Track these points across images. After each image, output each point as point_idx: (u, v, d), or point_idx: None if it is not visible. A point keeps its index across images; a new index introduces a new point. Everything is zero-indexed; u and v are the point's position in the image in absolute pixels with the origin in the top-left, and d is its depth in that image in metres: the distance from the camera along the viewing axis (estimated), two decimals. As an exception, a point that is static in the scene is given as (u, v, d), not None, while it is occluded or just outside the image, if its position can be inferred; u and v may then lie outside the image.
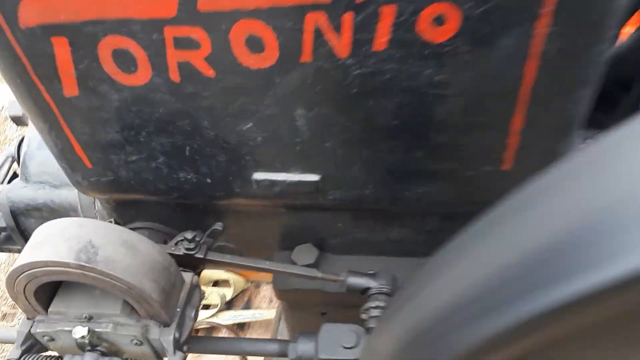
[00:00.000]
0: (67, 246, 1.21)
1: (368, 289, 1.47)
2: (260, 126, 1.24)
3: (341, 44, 1.05)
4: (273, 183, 1.36)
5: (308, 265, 1.67)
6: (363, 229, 1.61)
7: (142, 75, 1.18)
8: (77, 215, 1.90)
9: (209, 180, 1.40)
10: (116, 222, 1.71)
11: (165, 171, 1.40)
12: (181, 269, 1.50)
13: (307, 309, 1.79)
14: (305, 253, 1.67)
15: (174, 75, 1.17)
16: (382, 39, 1.03)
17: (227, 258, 1.52)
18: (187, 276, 1.43)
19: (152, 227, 1.74)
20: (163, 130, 1.29)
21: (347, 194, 1.36)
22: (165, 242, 1.73)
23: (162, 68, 1.16)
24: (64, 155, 1.42)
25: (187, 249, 1.49)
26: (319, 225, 1.63)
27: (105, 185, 1.49)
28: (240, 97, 1.18)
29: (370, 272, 1.52)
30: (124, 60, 1.15)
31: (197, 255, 1.49)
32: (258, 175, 1.35)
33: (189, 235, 1.49)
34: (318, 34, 1.04)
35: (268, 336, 3.64)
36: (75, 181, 1.52)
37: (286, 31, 1.04)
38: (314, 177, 1.32)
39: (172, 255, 1.50)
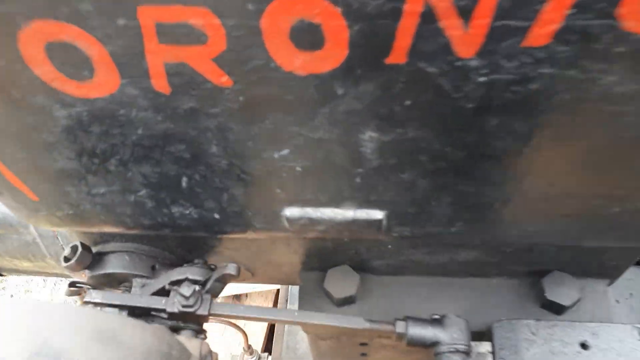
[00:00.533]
0: (15, 351, 0.77)
1: (436, 343, 1.09)
2: (302, 154, 0.78)
3: (467, 36, 0.58)
4: (314, 221, 0.92)
5: (347, 300, 1.28)
6: (423, 251, 1.20)
7: (104, 84, 0.69)
8: (28, 235, 1.43)
9: (216, 216, 0.95)
10: (83, 246, 1.25)
11: (151, 205, 0.94)
12: (181, 334, 1.09)
13: (342, 343, 1.42)
14: (343, 281, 1.27)
15: (160, 84, 0.68)
16: (545, 28, 0.56)
17: (240, 311, 1.11)
18: (194, 346, 1.03)
19: (132, 250, 1.30)
20: (145, 157, 0.83)
21: (421, 231, 0.94)
22: (153, 268, 1.30)
23: (138, 72, 0.67)
24: (-5, 187, 0.94)
25: (184, 306, 1.07)
26: (362, 246, 1.21)
27: (62, 220, 1.03)
28: (274, 114, 0.72)
29: (435, 316, 1.14)
30: (69, 59, 0.66)
31: (200, 313, 1.08)
32: (292, 212, 0.91)
33: (185, 290, 1.06)
34: (428, 19, 0.57)
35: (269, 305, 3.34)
36: (20, 215, 1.05)
37: (367, 14, 0.57)
38: (377, 215, 0.89)
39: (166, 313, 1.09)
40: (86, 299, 1.08)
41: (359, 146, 0.75)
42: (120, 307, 1.11)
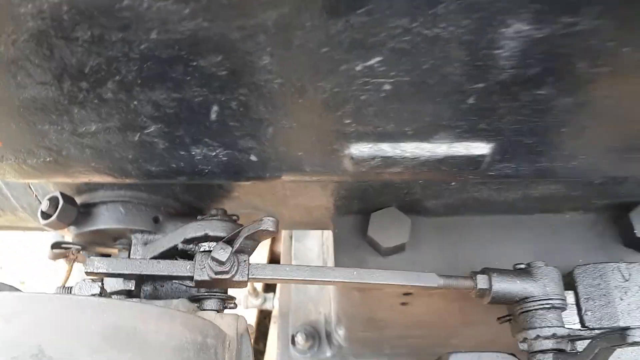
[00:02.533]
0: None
1: (526, 299, 0.89)
2: (399, 63, 0.52)
3: None
4: (389, 161, 0.68)
5: (397, 248, 1.06)
6: (493, 187, 0.98)
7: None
8: (-6, 186, 1.15)
9: (253, 159, 0.70)
10: (65, 198, 0.99)
11: (163, 146, 0.68)
12: (205, 306, 0.86)
13: (384, 293, 1.22)
14: (391, 226, 1.05)
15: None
16: None
17: (285, 272, 0.88)
18: (228, 324, 0.80)
19: (128, 199, 1.04)
20: (159, 77, 0.56)
21: (530, 168, 0.71)
22: (155, 221, 1.06)
23: None
24: None
25: (218, 273, 0.83)
26: (418, 184, 0.98)
27: (37, 169, 0.76)
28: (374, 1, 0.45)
29: (519, 265, 0.94)
30: None
31: (237, 279, 0.84)
32: (360, 150, 0.67)
33: (220, 253, 0.81)
34: None
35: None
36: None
37: None
38: (480, 149, 0.65)
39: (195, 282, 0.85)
40: (87, 269, 0.84)
41: (493, 47, 0.50)
42: (128, 277, 0.87)
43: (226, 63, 0.53)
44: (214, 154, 0.70)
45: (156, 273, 0.86)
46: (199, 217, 1.00)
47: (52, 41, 0.51)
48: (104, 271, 0.85)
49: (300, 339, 2.02)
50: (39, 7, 0.46)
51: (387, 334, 1.63)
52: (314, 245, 2.25)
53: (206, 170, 0.74)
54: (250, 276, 0.86)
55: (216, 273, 0.83)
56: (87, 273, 0.86)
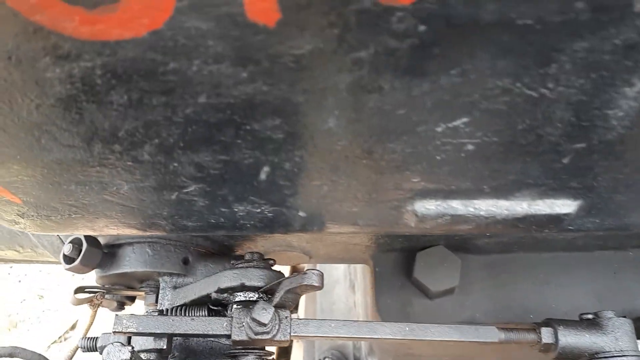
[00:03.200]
0: None
1: (596, 354, 0.80)
2: (489, 123, 0.44)
3: None
4: (460, 218, 0.60)
5: (447, 291, 0.98)
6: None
7: (138, 12, 0.33)
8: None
9: (301, 215, 0.62)
10: (88, 241, 0.92)
11: (203, 204, 0.61)
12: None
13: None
14: (440, 268, 0.97)
15: (262, 6, 0.33)
16: None
17: (330, 329, 0.80)
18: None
19: (156, 240, 0.97)
20: (206, 141, 0.48)
21: (615, 222, 0.63)
22: (185, 262, 0.98)
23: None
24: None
25: (258, 334, 0.75)
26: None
27: (60, 224, 0.69)
28: (475, 58, 0.37)
29: (586, 316, 0.85)
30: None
31: (278, 339, 0.76)
32: (427, 207, 0.59)
33: (262, 314, 0.73)
34: None
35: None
36: (2, 220, 0.71)
37: None
38: (565, 207, 0.57)
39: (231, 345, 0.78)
40: (116, 329, 0.77)
41: (607, 107, 0.41)
42: (159, 335, 0.80)
43: (284, 126, 0.45)
44: (258, 210, 0.62)
45: (190, 332, 0.79)
46: (232, 261, 0.93)
47: (82, 106, 0.43)
48: (134, 330, 0.78)
49: (329, 364, 1.94)
50: (68, 71, 0.39)
51: (423, 365, 1.55)
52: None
53: (248, 225, 0.66)
54: (292, 334, 0.78)
55: (256, 334, 0.75)
56: (115, 332, 0.79)
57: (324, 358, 1.98)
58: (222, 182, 0.55)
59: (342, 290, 2.17)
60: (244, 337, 0.76)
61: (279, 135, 0.46)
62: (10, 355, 0.69)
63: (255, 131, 0.46)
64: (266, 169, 0.52)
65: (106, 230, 0.70)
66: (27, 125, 0.46)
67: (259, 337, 0.76)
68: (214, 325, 0.79)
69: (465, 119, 0.43)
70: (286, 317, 0.79)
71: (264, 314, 0.74)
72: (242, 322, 0.77)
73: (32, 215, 0.66)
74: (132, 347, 0.71)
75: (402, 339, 0.79)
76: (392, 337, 0.79)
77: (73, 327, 3.24)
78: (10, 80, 0.40)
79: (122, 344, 0.72)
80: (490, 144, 0.47)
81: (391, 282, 1.03)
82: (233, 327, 0.77)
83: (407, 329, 0.80)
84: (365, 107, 0.42)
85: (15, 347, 0.70)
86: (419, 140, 0.46)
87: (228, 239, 1.02)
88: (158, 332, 0.78)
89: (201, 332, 0.78)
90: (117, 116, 0.44)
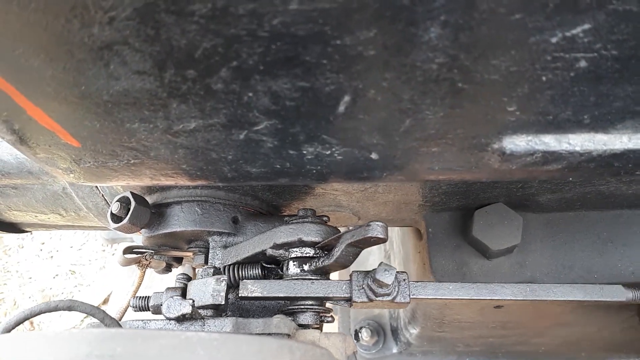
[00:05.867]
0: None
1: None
2: (611, 31, 0.39)
3: None
4: (552, 156, 0.55)
5: (507, 250, 0.93)
6: (626, 178, 0.84)
7: None
8: (55, 183, 1.07)
9: (373, 157, 0.58)
10: (136, 199, 0.89)
11: (271, 145, 0.57)
12: (310, 323, 0.76)
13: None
14: (501, 226, 0.92)
15: None
16: None
17: (449, 291, 0.76)
18: (335, 345, 0.69)
19: (204, 198, 0.94)
20: (288, 61, 0.44)
21: None
22: (234, 221, 0.95)
23: None
24: (17, 131, 0.57)
25: (379, 295, 0.73)
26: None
27: (118, 172, 0.66)
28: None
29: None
30: None
31: (399, 300, 0.74)
32: (516, 143, 0.54)
33: (385, 276, 0.72)
34: None
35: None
36: (53, 169, 0.68)
37: None
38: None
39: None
40: (242, 293, 0.76)
41: None
42: (281, 300, 0.78)
43: (379, 39, 0.41)
44: (328, 152, 0.58)
45: (312, 295, 0.77)
46: (286, 218, 0.90)
47: (161, 18, 0.39)
48: (259, 294, 0.77)
49: (365, 334, 1.92)
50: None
51: (466, 334, 1.51)
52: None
53: (314, 171, 0.62)
54: (412, 296, 0.75)
55: (377, 295, 0.73)
56: (241, 297, 0.78)
57: (361, 328, 1.96)
58: (296, 117, 0.51)
59: (377, 261, 2.13)
60: (364, 299, 0.74)
61: (371, 51, 0.42)
62: (69, 309, 0.67)
63: (344, 47, 0.42)
64: (347, 98, 0.48)
65: (164, 180, 0.67)
66: (96, 46, 0.43)
67: (380, 299, 0.73)
68: (334, 288, 0.77)
69: (587, 25, 0.39)
70: (404, 280, 0.76)
71: (387, 275, 0.71)
72: (362, 284, 0.75)
73: (89, 162, 0.64)
74: (193, 301, 0.69)
75: (522, 299, 0.75)
76: (513, 299, 0.75)
77: (105, 302, 3.27)
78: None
79: (182, 298, 0.70)
80: (606, 60, 0.42)
81: (445, 243, 0.99)
82: (353, 289, 0.75)
83: (528, 289, 0.76)
84: (477, 9, 0.37)
85: (73, 300, 0.67)
86: (528, 56, 0.42)
87: (277, 198, 0.98)
88: (281, 295, 0.76)
89: (322, 295, 0.76)
90: (197, 31, 0.40)
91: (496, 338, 1.55)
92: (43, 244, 3.62)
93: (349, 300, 0.75)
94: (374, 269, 0.74)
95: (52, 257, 3.56)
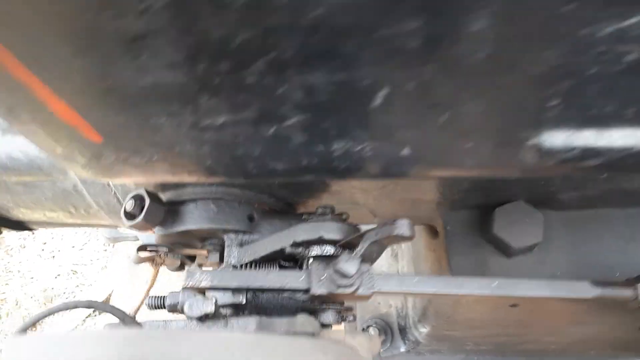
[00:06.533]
0: None
1: None
2: None
3: None
4: (590, 152, 0.54)
5: (528, 248, 0.92)
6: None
7: None
8: (66, 180, 1.05)
9: (405, 152, 0.57)
10: (151, 196, 0.88)
11: (299, 141, 0.55)
12: (332, 322, 0.74)
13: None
14: (522, 224, 0.91)
15: None
16: None
17: (414, 284, 0.75)
18: (361, 344, 0.68)
19: (220, 196, 0.93)
20: (326, 53, 0.42)
21: None
22: (250, 219, 0.94)
23: None
24: (37, 127, 0.55)
25: (341, 287, 0.70)
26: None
27: (139, 168, 0.65)
28: None
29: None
30: None
31: (361, 293, 0.72)
32: (555, 138, 0.52)
33: (349, 265, 0.69)
34: None
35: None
36: (70, 165, 0.66)
37: None
38: None
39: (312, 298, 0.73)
40: (188, 283, 0.73)
41: None
42: (238, 290, 0.75)
43: (423, 31, 0.39)
44: (358, 148, 0.56)
45: (267, 286, 0.75)
46: (304, 216, 0.88)
47: (198, 7, 0.38)
48: (208, 285, 0.74)
49: (372, 333, 1.90)
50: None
51: (477, 332, 1.50)
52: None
53: (340, 168, 0.61)
54: (374, 290, 0.73)
55: (338, 287, 0.70)
56: (187, 288, 0.75)
57: (367, 327, 1.94)
58: (330, 111, 0.50)
59: (384, 259, 2.12)
60: (323, 291, 0.72)
61: (413, 43, 0.40)
62: (89, 307, 0.66)
63: (385, 39, 0.40)
64: (384, 91, 0.47)
65: (187, 176, 0.66)
66: (128, 37, 0.41)
67: (341, 290, 0.71)
68: (291, 279, 0.74)
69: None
70: (367, 271, 0.74)
71: (351, 265, 0.69)
72: (323, 275, 0.73)
73: (110, 158, 0.62)
74: (216, 299, 0.67)
75: (489, 295, 0.74)
76: (479, 293, 0.74)
77: (106, 302, 3.26)
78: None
79: (204, 297, 0.68)
80: None
81: (464, 241, 0.98)
82: (312, 280, 0.73)
83: (496, 283, 0.74)
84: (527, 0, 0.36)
85: (92, 301, 0.66)
86: (578, 48, 0.40)
87: (293, 195, 0.97)
88: (232, 286, 0.73)
89: (278, 286, 0.74)
90: (234, 22, 0.39)
91: (507, 337, 1.54)
92: (45, 243, 3.60)
93: (307, 291, 0.73)
94: (336, 258, 0.71)
95: (53, 257, 3.55)
